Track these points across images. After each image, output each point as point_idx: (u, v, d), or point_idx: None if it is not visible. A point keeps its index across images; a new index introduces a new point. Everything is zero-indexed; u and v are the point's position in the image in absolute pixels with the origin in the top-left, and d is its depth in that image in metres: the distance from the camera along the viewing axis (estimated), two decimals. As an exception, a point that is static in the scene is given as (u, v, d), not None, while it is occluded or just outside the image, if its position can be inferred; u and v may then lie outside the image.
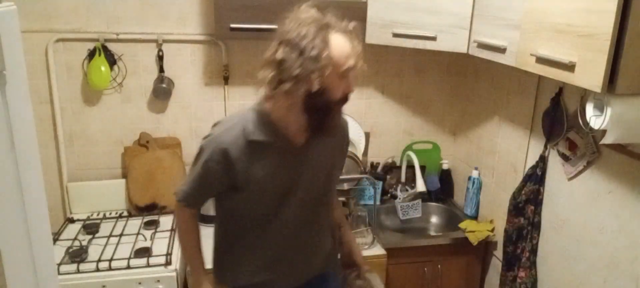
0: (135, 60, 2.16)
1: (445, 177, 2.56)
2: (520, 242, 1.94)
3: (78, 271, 1.78)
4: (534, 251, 1.90)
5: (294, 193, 1.37)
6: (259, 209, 1.38)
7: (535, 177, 1.86)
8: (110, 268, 1.80)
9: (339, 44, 1.20)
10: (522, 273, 1.90)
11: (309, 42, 1.16)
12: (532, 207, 1.88)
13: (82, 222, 2.11)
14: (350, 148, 2.36)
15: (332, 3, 2.03)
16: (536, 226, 1.89)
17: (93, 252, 1.89)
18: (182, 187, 1.41)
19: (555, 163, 1.82)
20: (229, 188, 1.35)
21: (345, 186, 2.24)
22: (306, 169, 1.37)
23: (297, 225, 1.41)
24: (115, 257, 1.84)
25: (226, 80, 2.25)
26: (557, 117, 1.78)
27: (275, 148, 1.32)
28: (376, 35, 2.03)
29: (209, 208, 2.21)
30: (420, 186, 2.37)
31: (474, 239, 2.15)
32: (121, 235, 2.01)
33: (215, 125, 1.37)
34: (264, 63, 1.23)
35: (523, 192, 1.89)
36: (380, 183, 2.45)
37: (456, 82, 2.50)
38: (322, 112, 1.25)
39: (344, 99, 1.27)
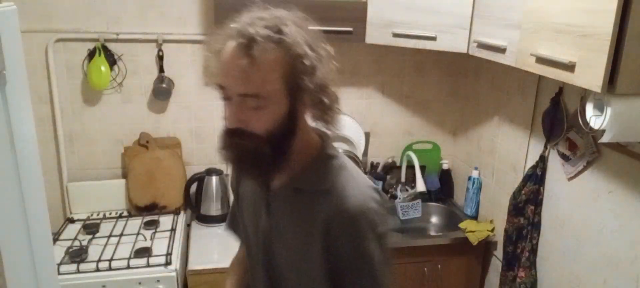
0: (135, 60, 2.16)
1: (445, 177, 2.56)
2: (520, 242, 1.94)
3: (78, 271, 1.78)
4: (534, 251, 1.90)
5: None
6: None
7: (535, 177, 1.86)
8: (110, 268, 1.80)
9: None
10: (522, 273, 1.90)
11: None
12: (532, 207, 1.88)
13: (82, 222, 2.11)
14: (350, 148, 2.36)
15: (332, 3, 2.04)
16: (536, 226, 1.89)
17: (93, 252, 1.88)
18: None
19: (555, 163, 1.82)
20: None
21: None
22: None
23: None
24: (115, 257, 1.84)
25: (226, 80, 2.25)
26: (557, 117, 1.78)
27: None
28: (376, 35, 2.03)
29: (210, 208, 2.23)
30: (420, 186, 2.37)
31: (474, 239, 2.15)
32: (121, 235, 2.01)
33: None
34: None
35: (523, 192, 1.89)
36: (380, 183, 2.45)
37: (456, 82, 2.50)
38: None
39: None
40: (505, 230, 1.97)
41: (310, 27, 0.97)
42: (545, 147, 1.85)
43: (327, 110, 0.98)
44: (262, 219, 1.09)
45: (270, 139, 0.95)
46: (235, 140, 0.96)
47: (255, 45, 0.88)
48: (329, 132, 1.05)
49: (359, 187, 1.01)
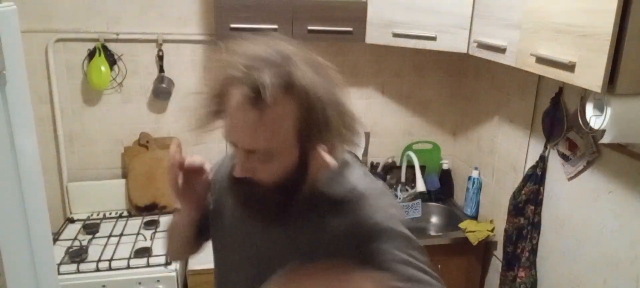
0: (135, 60, 2.16)
1: (445, 177, 2.56)
2: (520, 242, 1.94)
3: (78, 271, 1.78)
4: (534, 251, 1.90)
5: None
6: None
7: (535, 177, 1.86)
8: (110, 268, 1.80)
9: None
10: (522, 273, 1.90)
11: None
12: (532, 207, 1.88)
13: (82, 222, 2.11)
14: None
15: (332, 3, 2.04)
16: (536, 226, 1.89)
17: (93, 252, 1.89)
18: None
19: (555, 163, 1.82)
20: None
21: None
22: None
23: None
24: (115, 257, 1.84)
25: (226, 80, 2.25)
26: (557, 117, 1.78)
27: None
28: (376, 35, 2.03)
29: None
30: (420, 186, 2.37)
31: (474, 239, 2.15)
32: (121, 235, 2.01)
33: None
34: None
35: (523, 192, 1.89)
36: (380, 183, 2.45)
37: (456, 82, 2.50)
38: None
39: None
40: (505, 230, 1.97)
41: (316, 59, 0.89)
42: (545, 147, 1.85)
43: (347, 139, 0.92)
44: (258, 232, 1.02)
45: (280, 187, 0.90)
46: (243, 187, 0.91)
47: (265, 96, 0.78)
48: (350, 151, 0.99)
49: (374, 194, 0.96)
